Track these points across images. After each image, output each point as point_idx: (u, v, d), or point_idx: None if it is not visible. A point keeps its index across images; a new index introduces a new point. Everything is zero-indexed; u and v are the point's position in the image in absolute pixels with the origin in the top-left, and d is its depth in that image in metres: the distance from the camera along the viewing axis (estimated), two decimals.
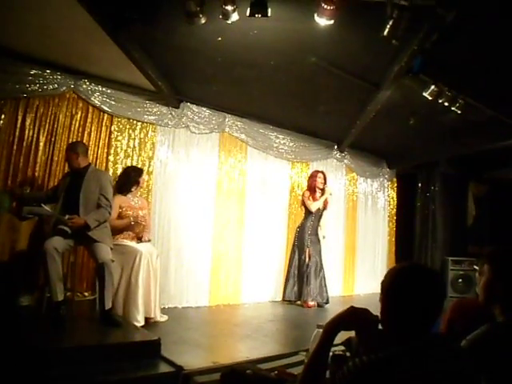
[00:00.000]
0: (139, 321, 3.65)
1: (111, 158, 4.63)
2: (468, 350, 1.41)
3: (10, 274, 3.61)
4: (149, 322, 3.79)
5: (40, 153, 4.17)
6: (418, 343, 1.22)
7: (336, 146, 6.67)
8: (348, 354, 1.60)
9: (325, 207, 5.77)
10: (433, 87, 4.28)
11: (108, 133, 4.64)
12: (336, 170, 6.85)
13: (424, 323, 1.28)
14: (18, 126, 4.05)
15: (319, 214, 5.73)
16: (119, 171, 4.54)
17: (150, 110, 4.83)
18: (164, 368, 2.77)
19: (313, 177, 5.82)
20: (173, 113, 4.98)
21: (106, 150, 4.63)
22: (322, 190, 5.74)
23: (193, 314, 4.66)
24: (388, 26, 3.15)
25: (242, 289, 5.55)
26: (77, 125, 4.42)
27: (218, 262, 5.35)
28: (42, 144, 4.18)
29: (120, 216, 4.06)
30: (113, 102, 4.58)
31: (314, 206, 5.61)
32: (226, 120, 5.45)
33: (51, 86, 4.17)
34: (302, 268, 5.51)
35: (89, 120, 4.50)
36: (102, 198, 3.55)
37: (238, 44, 3.73)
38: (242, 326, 4.24)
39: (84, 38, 3.58)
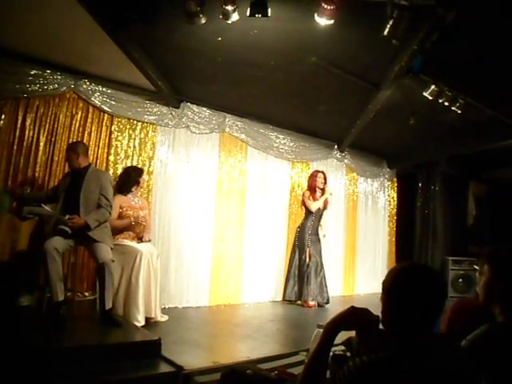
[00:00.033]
0: (139, 321, 3.65)
1: (111, 158, 4.63)
2: (468, 350, 1.41)
3: (11, 274, 3.61)
4: (149, 322, 3.79)
5: (40, 153, 4.17)
6: (418, 343, 1.22)
7: (336, 146, 6.67)
8: (348, 353, 1.60)
9: (325, 207, 5.77)
10: (433, 87, 4.28)
11: (108, 133, 4.64)
12: (336, 170, 6.85)
13: (425, 323, 1.28)
14: (19, 126, 4.05)
15: (319, 213, 5.73)
16: (119, 171, 4.54)
17: (150, 110, 4.83)
18: (164, 368, 2.77)
19: (313, 177, 5.82)
20: (173, 113, 4.98)
21: (106, 150, 4.63)
22: (323, 190, 5.74)
23: (193, 314, 4.66)
24: (388, 26, 3.15)
25: (243, 289, 5.55)
26: (77, 125, 4.42)
27: (218, 262, 5.35)
28: (42, 144, 4.18)
29: (120, 216, 4.06)
30: (113, 102, 4.58)
31: (314, 206, 5.61)
32: (226, 120, 5.45)
33: (51, 86, 4.17)
34: (303, 268, 5.51)
35: (89, 120, 4.50)
36: (103, 198, 3.55)
37: (238, 44, 3.73)
38: (242, 326, 4.24)
39: (84, 37, 3.58)
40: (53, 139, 4.25)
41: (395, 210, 7.85)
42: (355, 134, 6.01)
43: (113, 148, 4.64)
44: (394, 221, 7.82)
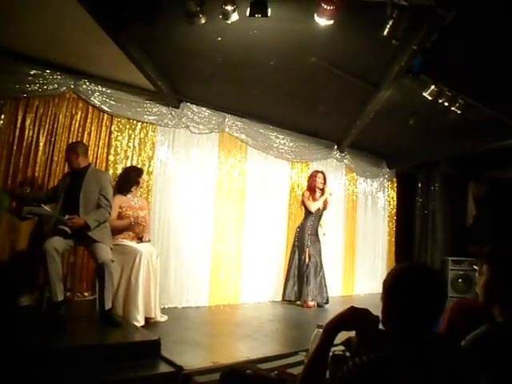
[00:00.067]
0: (139, 321, 3.65)
1: (111, 157, 4.62)
2: (467, 350, 1.41)
3: (10, 274, 3.60)
4: (149, 322, 3.79)
5: (40, 153, 4.17)
6: (418, 343, 1.22)
7: (336, 146, 6.67)
8: (348, 353, 1.60)
9: (325, 207, 5.77)
10: (433, 87, 4.28)
11: (108, 133, 4.64)
12: (336, 170, 6.85)
13: (425, 323, 1.28)
14: (18, 126, 4.05)
15: (319, 214, 5.73)
16: (119, 171, 4.54)
17: (149, 109, 4.83)
18: (164, 368, 2.77)
19: (312, 177, 5.83)
20: (173, 113, 4.98)
21: (105, 150, 4.62)
22: (322, 190, 5.74)
23: (193, 314, 4.66)
24: (388, 26, 3.15)
25: (242, 289, 5.55)
26: (77, 125, 4.42)
27: (217, 262, 5.35)
28: (41, 144, 4.18)
29: (120, 216, 4.06)
30: (113, 102, 4.58)
31: (313, 206, 5.61)
32: (226, 120, 5.45)
33: (51, 86, 4.17)
34: (302, 268, 5.51)
35: (89, 120, 4.49)
36: (102, 198, 3.55)
37: (238, 44, 3.73)
38: (241, 326, 4.24)
39: (84, 37, 3.57)
40: (52, 139, 4.25)
41: (395, 210, 7.85)
42: (355, 134, 6.01)
43: (112, 148, 4.64)
44: (394, 221, 7.82)
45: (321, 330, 1.38)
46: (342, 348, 1.65)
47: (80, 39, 3.63)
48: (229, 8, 3.06)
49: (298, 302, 5.45)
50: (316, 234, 5.69)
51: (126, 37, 3.55)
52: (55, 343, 2.77)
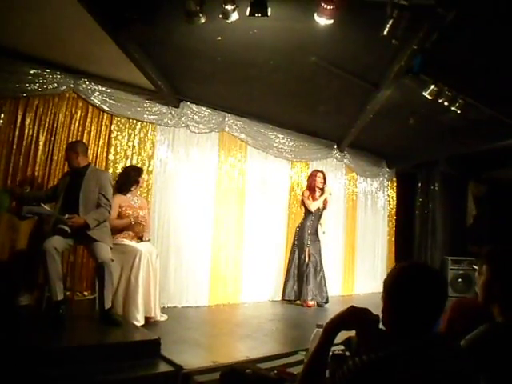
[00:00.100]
0: (139, 320, 3.65)
1: (111, 157, 4.62)
2: (467, 350, 1.41)
3: (10, 274, 3.61)
4: (149, 322, 3.79)
5: (40, 152, 4.16)
6: (417, 343, 1.22)
7: (336, 146, 6.67)
8: (347, 353, 1.60)
9: (324, 207, 5.78)
10: (432, 87, 4.27)
11: (108, 132, 4.64)
12: (336, 170, 6.85)
13: (425, 322, 1.28)
14: (18, 125, 4.05)
15: (319, 213, 5.74)
16: (119, 171, 4.54)
17: (149, 109, 4.83)
18: (164, 367, 2.77)
19: (312, 176, 5.83)
20: (172, 112, 4.98)
21: (105, 150, 4.62)
22: (322, 190, 5.75)
23: (192, 314, 4.67)
24: (388, 26, 3.15)
25: (242, 288, 5.55)
26: (76, 124, 4.41)
27: (217, 262, 5.35)
28: (41, 143, 4.18)
29: (120, 215, 4.06)
30: (112, 102, 4.58)
31: (313, 206, 5.62)
32: (226, 119, 5.45)
33: (51, 86, 4.16)
34: (302, 267, 5.51)
35: (88, 119, 4.49)
36: (102, 197, 3.55)
37: (238, 43, 3.73)
38: (241, 326, 4.24)
39: (84, 37, 3.57)
40: (52, 138, 4.24)
41: (395, 209, 7.86)
42: (355, 134, 6.01)
43: (112, 147, 4.63)
44: (394, 220, 7.82)
45: (320, 330, 1.38)
46: (341, 347, 1.65)
47: (80, 39, 3.62)
48: (229, 7, 3.05)
49: (298, 302, 5.46)
50: (316, 234, 5.70)
51: (126, 36, 3.54)
52: (55, 342, 2.77)
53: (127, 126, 4.75)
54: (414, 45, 3.55)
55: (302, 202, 5.82)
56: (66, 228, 3.33)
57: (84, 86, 4.39)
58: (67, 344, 2.80)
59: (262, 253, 5.79)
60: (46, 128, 4.21)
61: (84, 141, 4.27)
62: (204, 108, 5.25)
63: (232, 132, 5.55)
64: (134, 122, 4.80)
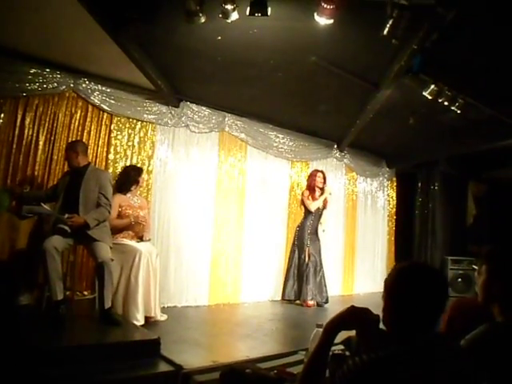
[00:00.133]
0: (139, 320, 3.65)
1: (111, 156, 4.62)
2: (467, 350, 1.41)
3: (10, 273, 3.61)
4: (149, 321, 3.79)
5: (39, 152, 4.16)
6: (418, 342, 1.22)
7: (336, 146, 6.67)
8: (347, 353, 1.60)
9: (324, 206, 5.78)
10: (432, 86, 4.28)
11: (107, 132, 4.63)
12: (336, 170, 6.85)
13: (426, 322, 1.28)
14: (18, 124, 4.04)
15: (319, 213, 5.73)
16: (119, 170, 4.54)
17: (149, 108, 4.83)
18: (163, 367, 2.77)
19: (312, 176, 5.83)
20: (172, 112, 4.98)
21: (105, 149, 4.62)
22: (322, 190, 5.75)
23: (192, 313, 4.67)
24: (388, 26, 3.15)
25: (242, 288, 5.55)
26: (76, 124, 4.41)
27: (217, 261, 5.35)
28: (41, 143, 4.17)
29: (120, 215, 4.06)
30: (112, 101, 4.57)
31: (313, 206, 5.62)
32: (226, 119, 5.45)
33: (51, 85, 4.16)
34: (302, 267, 5.51)
35: (88, 119, 4.49)
36: (102, 196, 3.55)
37: (238, 43, 3.73)
38: (241, 325, 4.24)
39: (84, 37, 3.57)
40: (52, 138, 4.24)
41: (394, 209, 7.86)
42: (355, 134, 6.01)
43: (112, 147, 4.63)
44: (394, 220, 7.82)
45: (320, 330, 1.38)
46: (341, 347, 1.65)
47: (80, 38, 3.62)
48: (229, 7, 3.06)
49: (298, 302, 5.46)
50: (316, 234, 5.70)
51: (126, 36, 3.54)
52: (55, 342, 2.77)
53: (127, 125, 4.75)
54: (413, 44, 3.55)
55: (302, 202, 5.82)
56: (66, 227, 3.34)
57: (84, 85, 4.39)
58: (67, 344, 2.80)
59: (261, 253, 5.79)
60: (45, 127, 4.21)
61: (84, 140, 4.26)
62: (204, 108, 5.25)
63: (232, 132, 5.55)
64: (134, 121, 4.80)
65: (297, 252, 5.63)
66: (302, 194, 5.84)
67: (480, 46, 3.51)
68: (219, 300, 5.27)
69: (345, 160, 6.91)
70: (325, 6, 3.04)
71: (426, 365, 1.16)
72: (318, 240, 5.72)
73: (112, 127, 4.64)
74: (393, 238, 7.77)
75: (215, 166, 5.43)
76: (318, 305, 5.42)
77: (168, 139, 5.06)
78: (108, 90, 4.54)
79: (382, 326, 1.34)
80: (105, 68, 4.33)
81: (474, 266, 1.80)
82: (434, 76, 4.22)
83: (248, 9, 3.02)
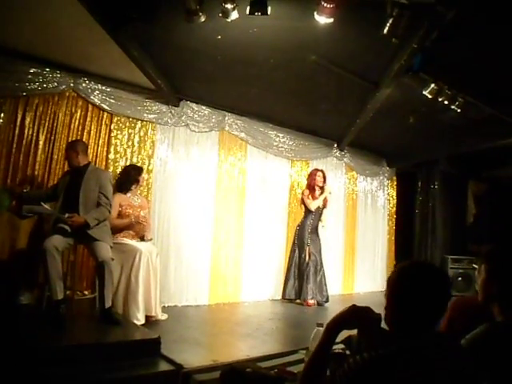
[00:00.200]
0: (139, 319, 3.65)
1: (111, 156, 4.62)
2: (467, 349, 1.41)
3: (10, 273, 3.61)
4: (150, 321, 3.79)
5: (40, 151, 4.16)
6: (419, 341, 1.22)
7: (336, 145, 6.67)
8: (348, 352, 1.60)
9: (324, 206, 5.77)
10: (432, 85, 4.28)
11: (108, 131, 4.63)
12: (336, 169, 6.85)
13: (428, 321, 1.28)
14: (18, 124, 4.04)
15: (319, 212, 5.73)
16: (119, 169, 4.54)
17: (149, 108, 4.83)
18: (164, 366, 2.77)
19: (312, 175, 5.83)
20: (172, 111, 4.98)
21: (105, 149, 4.62)
22: (322, 189, 5.74)
23: (193, 313, 4.67)
24: (388, 25, 3.15)
25: (242, 287, 5.56)
26: (76, 123, 4.41)
27: (217, 261, 5.35)
28: (41, 142, 4.17)
29: (120, 214, 4.07)
30: (112, 101, 4.57)
31: (313, 205, 5.62)
32: (226, 118, 5.45)
33: (51, 85, 4.16)
34: (302, 266, 5.51)
35: (88, 118, 4.49)
36: (102, 196, 3.55)
37: (238, 42, 3.73)
38: (241, 325, 4.24)
39: (84, 36, 3.57)
40: (52, 138, 4.24)
41: (395, 208, 7.86)
42: (355, 133, 6.01)
43: (112, 146, 4.63)
44: (394, 219, 7.83)
45: (321, 329, 1.39)
46: (341, 346, 1.65)
47: (80, 38, 3.62)
48: (228, 6, 3.05)
49: (298, 301, 5.46)
50: (316, 233, 5.70)
51: (126, 35, 3.54)
52: (55, 342, 2.77)
53: (127, 124, 4.75)
54: (414, 43, 3.55)
55: (302, 201, 5.82)
56: (66, 227, 3.34)
57: (84, 85, 4.39)
58: (67, 343, 2.80)
59: (262, 252, 5.79)
60: (45, 127, 4.21)
61: (84, 140, 4.26)
62: (204, 107, 5.25)
63: (232, 131, 5.54)
64: (134, 121, 4.80)
65: (297, 251, 5.63)
66: (302, 193, 5.84)
67: (480, 44, 3.50)
68: (219, 299, 5.27)
69: (345, 159, 6.91)
70: (325, 4, 3.04)
71: (426, 363, 1.16)
72: (319, 239, 5.72)
73: (112, 127, 4.64)
74: (393, 237, 7.78)
75: (215, 165, 5.43)
76: (319, 304, 5.42)
77: (168, 138, 5.06)
78: (108, 90, 4.54)
79: (383, 325, 1.34)
80: (105, 67, 4.33)
81: (475, 265, 1.79)
82: (434, 75, 4.22)
83: (248, 8, 3.02)
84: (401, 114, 5.09)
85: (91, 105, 4.49)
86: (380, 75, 4.32)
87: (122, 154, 4.70)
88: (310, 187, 5.75)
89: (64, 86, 4.26)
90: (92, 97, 4.45)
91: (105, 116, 4.61)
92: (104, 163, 4.58)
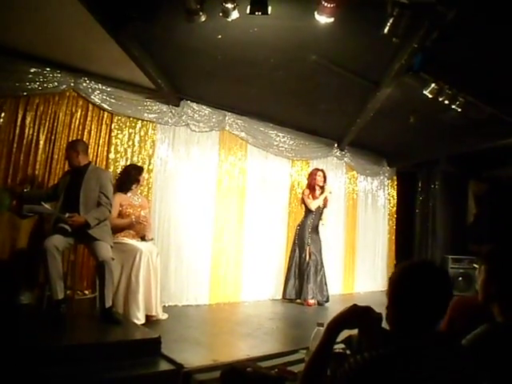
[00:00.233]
0: (140, 319, 3.65)
1: (111, 156, 4.62)
2: (468, 350, 1.40)
3: (11, 272, 3.61)
4: (150, 320, 3.80)
5: (40, 151, 4.16)
6: (419, 340, 1.22)
7: (336, 145, 6.67)
8: (348, 352, 1.60)
9: (325, 205, 5.77)
10: (433, 85, 4.28)
11: (108, 131, 4.63)
12: (336, 168, 6.85)
13: (428, 321, 1.28)
14: (18, 124, 4.04)
15: (319, 212, 5.73)
16: (119, 169, 4.54)
17: (150, 108, 4.83)
18: (164, 366, 2.77)
19: (312, 175, 5.82)
20: (173, 111, 4.98)
21: (106, 148, 4.62)
22: (322, 188, 5.74)
23: (193, 312, 4.67)
24: (388, 24, 3.15)
25: (243, 287, 5.56)
26: (77, 123, 4.41)
27: (218, 260, 5.35)
28: (42, 142, 4.17)
29: (120, 214, 4.07)
30: (113, 100, 4.57)
31: (313, 205, 5.61)
32: (226, 118, 5.45)
33: (51, 84, 4.16)
34: (303, 266, 5.51)
35: (89, 118, 4.49)
36: (102, 196, 3.55)
37: (238, 42, 3.73)
38: (242, 324, 4.24)
39: (84, 36, 3.57)
40: (53, 137, 4.24)
41: (395, 208, 7.86)
42: (355, 133, 6.01)
43: (113, 146, 4.63)
44: (394, 219, 7.83)
45: (321, 328, 1.38)
46: (342, 346, 1.65)
47: (80, 37, 3.62)
48: (229, 6, 3.06)
49: (299, 301, 5.45)
50: (316, 232, 5.69)
51: (126, 35, 3.54)
52: (55, 341, 2.77)
53: (127, 124, 4.75)
54: (414, 43, 3.55)
55: (302, 201, 5.81)
56: (67, 227, 3.34)
57: (84, 84, 4.39)
58: (67, 343, 2.80)
59: (262, 251, 5.79)
60: (46, 127, 4.21)
61: (84, 139, 4.26)
62: (204, 107, 5.25)
63: (232, 131, 5.55)
64: (135, 120, 4.80)
65: (297, 251, 5.63)
66: (303, 192, 5.83)
67: (480, 44, 3.50)
68: (220, 299, 5.27)
69: (345, 159, 6.91)
70: (325, 4, 3.04)
71: (427, 363, 1.16)
72: (319, 239, 5.71)
73: (112, 126, 4.64)
74: (393, 237, 7.78)
75: (215, 164, 5.43)
76: (319, 304, 5.41)
77: (168, 138, 5.06)
78: (108, 89, 4.54)
79: (384, 324, 1.33)
80: (105, 67, 4.33)
81: (475, 265, 1.79)
82: (434, 75, 4.22)
83: (248, 7, 3.02)
84: (401, 113, 5.09)
85: (92, 104, 4.49)
86: (380, 75, 4.32)
87: (123, 154, 4.70)
88: (311, 187, 5.74)
89: (64, 86, 4.26)
90: (92, 96, 4.45)
91: (105, 116, 4.61)
92: (104, 163, 4.58)
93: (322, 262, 5.64)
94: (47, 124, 4.22)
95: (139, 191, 4.47)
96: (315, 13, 3.16)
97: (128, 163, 4.60)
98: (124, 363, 2.67)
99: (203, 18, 3.16)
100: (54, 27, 3.44)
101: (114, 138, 4.64)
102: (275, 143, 5.98)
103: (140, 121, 4.83)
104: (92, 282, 4.30)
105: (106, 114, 4.60)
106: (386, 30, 3.18)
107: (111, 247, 3.49)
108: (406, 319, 1.29)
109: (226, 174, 5.53)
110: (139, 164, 4.63)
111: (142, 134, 4.86)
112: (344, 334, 1.45)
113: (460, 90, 4.42)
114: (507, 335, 1.45)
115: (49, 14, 3.25)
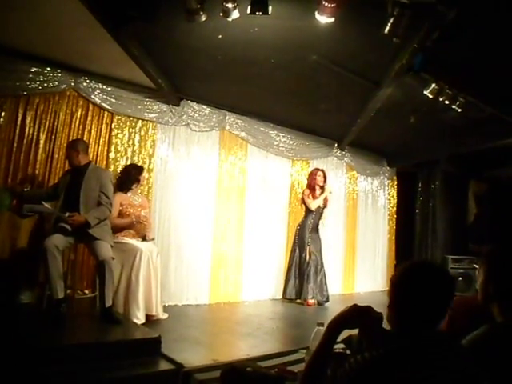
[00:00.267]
0: (140, 318, 3.65)
1: (111, 155, 4.62)
2: (468, 350, 1.40)
3: (11, 272, 3.61)
4: (150, 320, 3.80)
5: (40, 150, 4.16)
6: (420, 340, 1.22)
7: (336, 144, 6.67)
8: (348, 351, 1.60)
9: (325, 205, 5.77)
10: (433, 85, 4.28)
11: (108, 130, 4.63)
12: (336, 168, 6.85)
13: (431, 320, 1.28)
14: (19, 123, 4.04)
15: (320, 211, 5.73)
16: (119, 169, 4.54)
17: (150, 107, 4.82)
18: (164, 365, 2.77)
19: (312, 175, 5.82)
20: (173, 110, 4.98)
21: (106, 148, 4.62)
22: (322, 188, 5.74)
23: (193, 312, 4.67)
24: (389, 24, 3.15)
25: (243, 287, 5.55)
26: (77, 122, 4.41)
27: (218, 260, 5.35)
28: (42, 142, 4.17)
29: (120, 214, 4.07)
30: (113, 100, 4.57)
31: (313, 205, 5.61)
32: (227, 118, 5.45)
33: (51, 84, 4.16)
34: (303, 266, 5.51)
35: (89, 118, 4.49)
36: (103, 195, 3.55)
37: (239, 42, 3.73)
38: (242, 324, 4.24)
39: (84, 35, 3.56)
40: (53, 137, 4.24)
41: (395, 208, 7.86)
42: (355, 133, 6.01)
43: (113, 145, 4.63)
44: (394, 219, 7.83)
45: (321, 328, 1.39)
46: (342, 346, 1.65)
47: (80, 37, 3.61)
48: (229, 5, 3.06)
49: (299, 300, 5.45)
50: (317, 232, 5.69)
51: (127, 34, 3.54)
52: (55, 341, 2.77)
53: (128, 124, 4.75)
54: (414, 43, 3.55)
55: (303, 201, 5.81)
56: (67, 226, 3.34)
57: (84, 84, 4.39)
58: (67, 342, 2.80)
59: (262, 251, 5.79)
60: (46, 126, 4.21)
61: (84, 139, 4.26)
62: (204, 106, 5.25)
63: (232, 130, 5.54)
64: (135, 120, 4.80)
65: (298, 251, 5.63)
66: (303, 192, 5.83)
67: (481, 44, 3.50)
68: (220, 299, 5.27)
69: (345, 159, 6.91)
70: (326, 4, 3.04)
71: (427, 363, 1.16)
72: (319, 239, 5.71)
73: (113, 126, 4.64)
74: (393, 237, 7.78)
75: (216, 164, 5.43)
76: (319, 304, 5.41)
77: (169, 138, 5.06)
78: (109, 89, 4.54)
79: (384, 324, 1.34)
80: (105, 66, 4.33)
81: (475, 265, 1.79)
82: (434, 75, 4.22)
83: (249, 7, 3.02)
84: (401, 113, 5.09)
85: (92, 104, 4.49)
86: (381, 75, 4.32)
87: (123, 154, 4.70)
88: (311, 187, 5.74)
89: (65, 85, 4.26)
90: (93, 96, 4.45)
91: (105, 115, 4.61)
92: (105, 162, 4.58)
93: (322, 262, 5.64)
94: (47, 123, 4.22)
95: (139, 191, 4.47)
96: (316, 13, 3.16)
97: (128, 163, 4.60)
98: (124, 363, 2.67)
99: (203, 18, 3.16)
100: (55, 27, 3.44)
101: (114, 137, 4.64)
102: (275, 143, 5.97)
103: (140, 120, 4.83)
104: (92, 282, 4.30)
105: (106, 113, 4.60)
106: (386, 30, 3.18)
107: (111, 247, 3.49)
108: (406, 319, 1.29)
109: (226, 174, 5.53)
110: (139, 164, 4.63)
111: (143, 133, 4.86)
112: (344, 333, 1.45)
113: (460, 89, 4.42)
114: (507, 335, 1.44)
115: (49, 13, 3.25)
